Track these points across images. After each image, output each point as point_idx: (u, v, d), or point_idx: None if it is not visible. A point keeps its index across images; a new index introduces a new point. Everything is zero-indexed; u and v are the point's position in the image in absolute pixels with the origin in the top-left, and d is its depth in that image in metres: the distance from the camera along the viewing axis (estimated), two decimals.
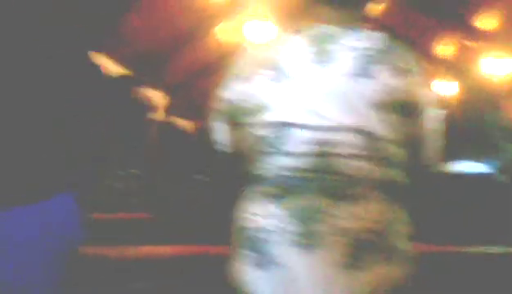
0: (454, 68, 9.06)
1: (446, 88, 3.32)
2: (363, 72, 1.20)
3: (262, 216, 1.22)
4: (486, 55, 8.60)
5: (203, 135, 1.50)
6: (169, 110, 4.87)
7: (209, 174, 1.95)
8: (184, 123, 4.90)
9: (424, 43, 10.40)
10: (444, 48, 10.27)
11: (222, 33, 8.50)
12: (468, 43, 8.97)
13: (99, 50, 5.71)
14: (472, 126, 1.68)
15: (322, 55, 1.23)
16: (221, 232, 1.39)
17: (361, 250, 1.16)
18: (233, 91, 1.31)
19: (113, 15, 5.89)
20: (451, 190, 1.64)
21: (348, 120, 1.19)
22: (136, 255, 1.64)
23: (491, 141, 1.77)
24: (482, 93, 3.14)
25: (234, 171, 1.40)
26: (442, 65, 10.39)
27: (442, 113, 1.79)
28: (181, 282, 1.58)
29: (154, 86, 7.33)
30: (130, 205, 2.95)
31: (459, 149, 1.66)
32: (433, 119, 1.30)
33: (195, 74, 8.92)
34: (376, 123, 1.19)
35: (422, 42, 10.37)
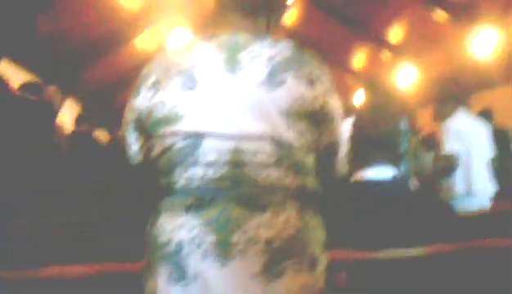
0: (364, 77, 9.47)
1: (356, 97, 3.47)
2: (273, 80, 1.20)
3: (177, 228, 1.20)
4: (395, 66, 9.10)
5: (117, 146, 1.44)
6: (83, 120, 4.69)
7: (122, 186, 1.90)
8: (99, 134, 4.73)
9: (337, 53, 10.82)
10: (356, 58, 10.74)
11: (142, 42, 8.36)
12: (378, 54, 9.43)
13: (6, 55, 5.41)
14: (380, 134, 1.74)
15: (233, 63, 1.22)
16: (136, 247, 1.35)
17: (276, 258, 1.17)
18: (144, 99, 1.27)
19: (25, 19, 5.61)
20: (361, 197, 1.70)
21: (259, 128, 1.19)
22: (50, 275, 1.56)
23: (399, 149, 1.85)
24: (391, 102, 3.30)
25: (147, 183, 1.36)
26: (354, 74, 10.86)
27: (351, 121, 1.87)
28: None
29: (67, 94, 7.06)
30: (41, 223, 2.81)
31: (368, 156, 1.72)
32: (341, 127, 1.33)
33: (113, 83, 8.69)
34: (287, 131, 1.20)
35: (335, 51, 10.78)
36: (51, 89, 3.02)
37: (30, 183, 2.78)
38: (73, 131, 4.62)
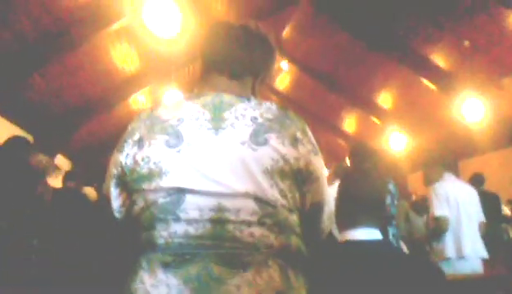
0: (353, 141, 9.60)
1: (345, 158, 3.53)
2: (256, 139, 1.22)
3: (155, 285, 1.16)
4: (385, 131, 9.24)
5: (103, 202, 1.43)
6: (72, 176, 4.66)
7: (106, 242, 1.85)
8: (88, 191, 4.69)
9: (329, 117, 11.01)
10: (346, 123, 10.91)
11: (136, 101, 8.47)
12: (368, 119, 9.60)
13: None
14: (367, 195, 1.74)
15: (217, 122, 1.24)
16: None
17: None
18: (128, 155, 1.28)
19: (19, 77, 5.69)
20: (348, 257, 1.67)
21: (242, 186, 1.19)
22: None
23: (386, 211, 1.84)
24: (378, 165, 3.32)
25: (128, 239, 1.33)
26: (344, 138, 11.01)
27: (339, 182, 1.86)
28: None
29: (56, 152, 7.04)
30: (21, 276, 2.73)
31: (356, 217, 1.70)
32: (325, 187, 1.32)
33: (105, 141, 8.71)
34: (271, 190, 1.20)
35: (326, 116, 10.97)
36: (44, 158, 3.02)
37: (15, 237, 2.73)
38: (61, 187, 4.59)
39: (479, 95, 6.67)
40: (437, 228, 3.62)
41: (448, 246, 3.61)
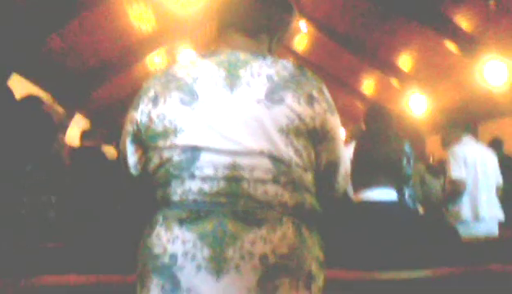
0: (371, 101, 9.49)
1: (362, 118, 3.51)
2: (272, 97, 1.21)
3: (171, 240, 1.18)
4: (404, 93, 9.11)
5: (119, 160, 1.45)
6: (91, 135, 4.71)
7: (122, 199, 1.89)
8: (107, 149, 4.74)
9: (347, 80, 10.88)
10: (365, 85, 10.77)
11: (153, 61, 8.46)
12: (388, 81, 9.45)
13: (17, 70, 5.48)
14: (383, 156, 1.73)
15: (232, 80, 1.24)
16: (131, 260, 1.33)
17: (271, 274, 1.15)
18: (143, 112, 1.28)
19: (38, 38, 5.70)
20: (364, 217, 1.68)
21: (257, 145, 1.19)
22: (44, 284, 1.54)
23: (402, 172, 1.84)
24: (395, 125, 3.29)
25: (144, 196, 1.35)
26: (363, 101, 10.88)
27: (356, 143, 1.86)
28: None
29: (76, 110, 7.11)
30: (39, 234, 2.80)
31: (371, 178, 1.70)
32: (341, 146, 1.32)
33: (123, 100, 8.76)
34: (286, 148, 1.20)
35: (345, 78, 10.84)
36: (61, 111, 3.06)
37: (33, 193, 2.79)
38: (79, 146, 4.65)
39: (502, 58, 6.51)
40: (454, 190, 3.62)
41: (465, 208, 3.61)
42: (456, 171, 3.59)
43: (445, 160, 3.95)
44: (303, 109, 1.22)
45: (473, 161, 3.65)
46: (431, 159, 6.82)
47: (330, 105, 1.28)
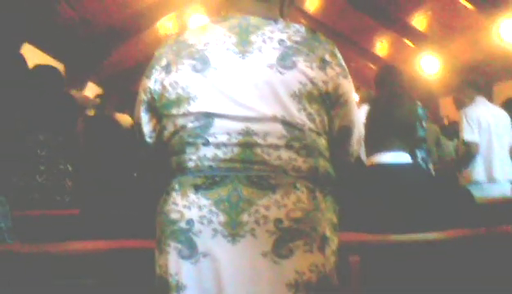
0: (385, 63, 9.34)
1: (375, 82, 3.47)
2: (284, 62, 1.21)
3: (187, 206, 1.21)
4: (418, 54, 8.96)
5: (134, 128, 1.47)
6: (105, 104, 4.74)
7: (137, 167, 1.91)
8: (121, 117, 4.77)
9: (360, 41, 10.69)
10: (378, 46, 10.59)
11: (164, 27, 8.38)
12: (402, 42, 9.29)
13: (28, 39, 5.48)
14: (397, 119, 1.72)
15: (244, 46, 1.23)
16: (149, 225, 1.36)
17: (286, 238, 1.17)
18: (156, 80, 1.29)
19: (47, 5, 5.66)
20: (377, 180, 1.68)
21: (269, 110, 1.20)
22: (63, 251, 1.58)
23: (416, 134, 1.83)
24: (409, 88, 3.25)
25: (159, 163, 1.37)
26: (377, 62, 10.72)
27: (370, 106, 1.84)
28: (110, 278, 1.54)
29: (89, 78, 7.12)
30: (57, 202, 2.86)
31: (385, 141, 1.69)
32: (355, 111, 1.32)
33: (135, 67, 8.74)
34: (298, 113, 1.20)
35: (358, 39, 10.66)
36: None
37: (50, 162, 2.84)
38: (93, 115, 4.68)
39: None
40: (467, 152, 3.60)
41: (478, 170, 3.60)
42: (469, 134, 3.57)
43: (458, 122, 3.92)
44: (315, 73, 1.21)
45: (486, 122, 3.62)
46: (445, 121, 6.75)
47: (343, 69, 1.27)
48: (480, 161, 3.61)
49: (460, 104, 3.83)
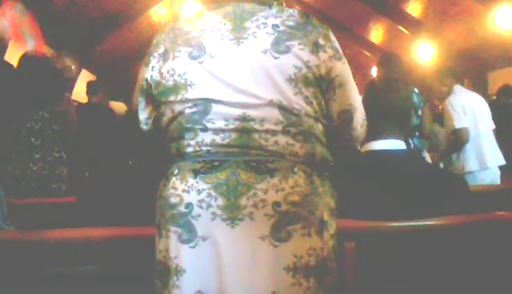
0: (380, 51, 9.32)
1: (370, 69, 3.50)
2: (278, 47, 1.21)
3: (186, 190, 1.22)
4: (414, 41, 8.94)
5: (132, 115, 1.48)
6: (98, 90, 4.71)
7: (134, 154, 1.91)
8: (115, 105, 4.75)
9: (355, 28, 10.66)
10: (374, 33, 10.56)
11: (157, 13, 8.32)
12: (397, 29, 9.26)
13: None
14: (391, 106, 1.72)
15: (238, 32, 1.24)
16: (145, 212, 1.37)
17: (284, 221, 1.18)
18: (154, 68, 1.30)
19: None
20: (372, 167, 1.68)
21: (266, 95, 1.20)
22: (61, 238, 1.58)
23: (410, 122, 1.83)
24: (404, 75, 3.26)
25: (157, 149, 1.38)
26: (372, 49, 10.70)
27: (364, 93, 1.84)
28: (110, 265, 1.54)
29: (82, 65, 7.07)
30: (53, 189, 2.86)
31: (379, 128, 1.69)
32: (351, 94, 1.31)
33: (128, 54, 8.69)
34: (295, 98, 1.21)
35: (353, 26, 10.62)
36: (67, 59, 3.06)
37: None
38: (87, 102, 4.66)
39: None
40: (459, 139, 3.60)
41: (470, 159, 3.60)
42: (459, 121, 3.57)
43: (443, 112, 3.92)
44: (309, 57, 1.22)
45: (471, 109, 3.65)
46: (440, 107, 6.76)
47: (336, 51, 1.27)
48: (471, 149, 3.62)
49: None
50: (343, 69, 1.29)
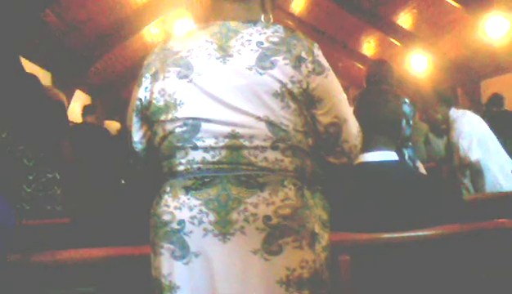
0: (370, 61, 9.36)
1: (365, 78, 3.36)
2: (263, 64, 1.23)
3: (178, 207, 1.23)
4: (406, 53, 9.01)
5: (126, 135, 1.49)
6: (92, 111, 4.72)
7: (128, 173, 1.92)
8: (110, 124, 4.76)
9: (347, 41, 10.73)
10: (366, 46, 10.64)
11: (149, 33, 8.37)
12: (389, 41, 9.34)
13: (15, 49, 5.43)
14: (382, 117, 1.73)
15: (224, 51, 1.26)
16: (143, 230, 1.37)
17: (275, 235, 1.19)
18: (145, 89, 1.33)
19: (32, 14, 5.63)
20: (364, 179, 1.69)
21: (253, 112, 1.22)
22: (59, 259, 1.58)
23: (401, 133, 1.83)
24: (395, 86, 3.26)
25: (149, 168, 1.40)
26: (364, 62, 10.77)
27: (355, 104, 1.85)
28: (106, 286, 1.54)
29: (74, 87, 7.08)
30: (47, 211, 2.84)
31: (371, 139, 1.69)
32: (337, 107, 1.30)
33: (122, 74, 8.72)
34: (281, 112, 1.22)
35: (345, 39, 10.69)
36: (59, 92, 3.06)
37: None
38: (81, 122, 4.67)
39: (505, 14, 6.38)
40: (478, 171, 3.40)
41: (488, 185, 3.39)
42: (472, 152, 3.36)
43: (449, 132, 3.74)
44: (293, 72, 1.23)
45: (481, 134, 3.46)
46: (439, 116, 6.76)
47: (318, 65, 1.27)
48: (487, 174, 3.39)
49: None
50: (325, 83, 1.28)
